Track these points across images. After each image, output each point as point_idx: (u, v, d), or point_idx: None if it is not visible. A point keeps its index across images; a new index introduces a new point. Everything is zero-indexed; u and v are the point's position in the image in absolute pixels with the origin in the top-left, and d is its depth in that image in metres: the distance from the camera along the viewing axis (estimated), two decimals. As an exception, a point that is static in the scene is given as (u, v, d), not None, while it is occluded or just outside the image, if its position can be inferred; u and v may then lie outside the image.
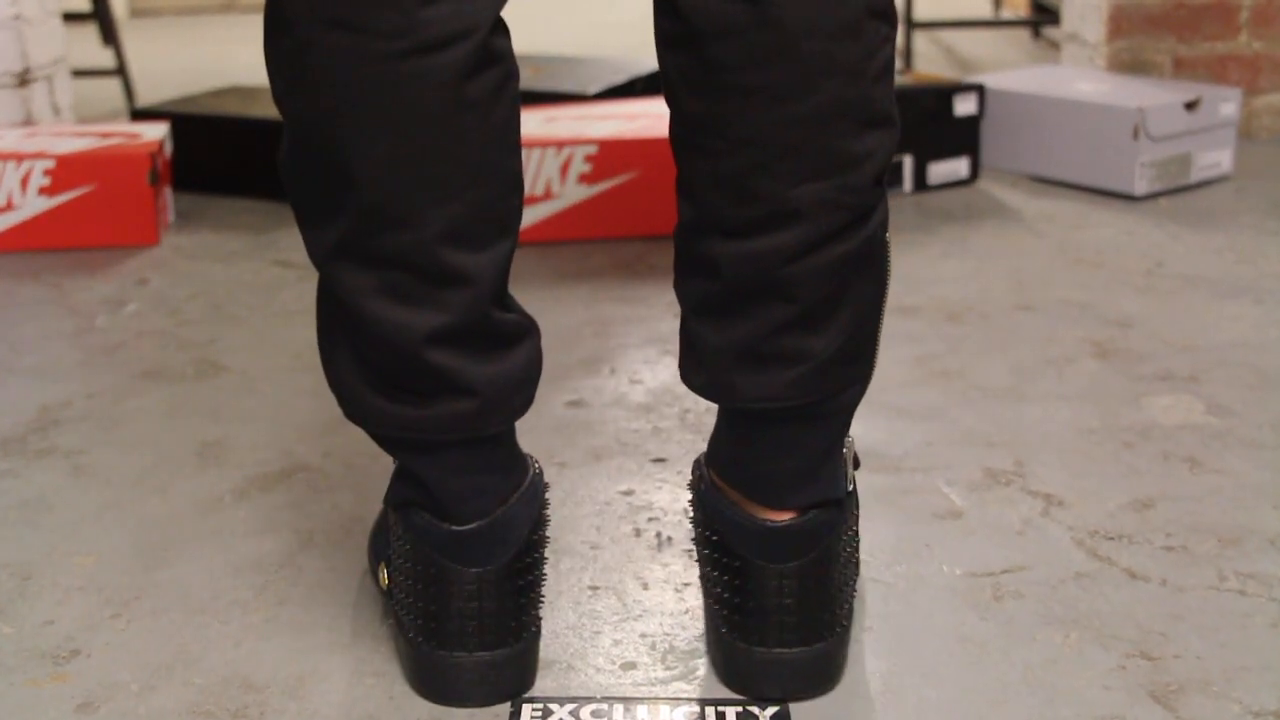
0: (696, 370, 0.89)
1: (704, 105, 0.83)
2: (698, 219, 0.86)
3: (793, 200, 0.81)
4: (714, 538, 0.91)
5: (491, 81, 0.82)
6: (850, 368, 0.87)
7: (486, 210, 0.83)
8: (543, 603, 0.95)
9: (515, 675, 0.92)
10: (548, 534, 0.94)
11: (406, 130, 0.80)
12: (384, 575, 0.95)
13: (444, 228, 0.82)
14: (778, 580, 0.88)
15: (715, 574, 0.91)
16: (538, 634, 0.94)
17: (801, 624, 0.89)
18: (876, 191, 0.84)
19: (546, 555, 0.94)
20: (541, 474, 0.94)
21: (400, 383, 0.85)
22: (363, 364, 0.86)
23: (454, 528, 0.88)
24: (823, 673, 0.91)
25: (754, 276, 0.83)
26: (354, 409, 0.88)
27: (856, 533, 0.95)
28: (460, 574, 0.88)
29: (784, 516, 0.88)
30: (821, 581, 0.89)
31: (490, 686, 0.90)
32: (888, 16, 0.82)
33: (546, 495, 0.94)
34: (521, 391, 0.89)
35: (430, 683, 0.91)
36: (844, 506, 0.91)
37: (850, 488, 0.92)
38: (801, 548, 0.88)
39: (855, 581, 0.95)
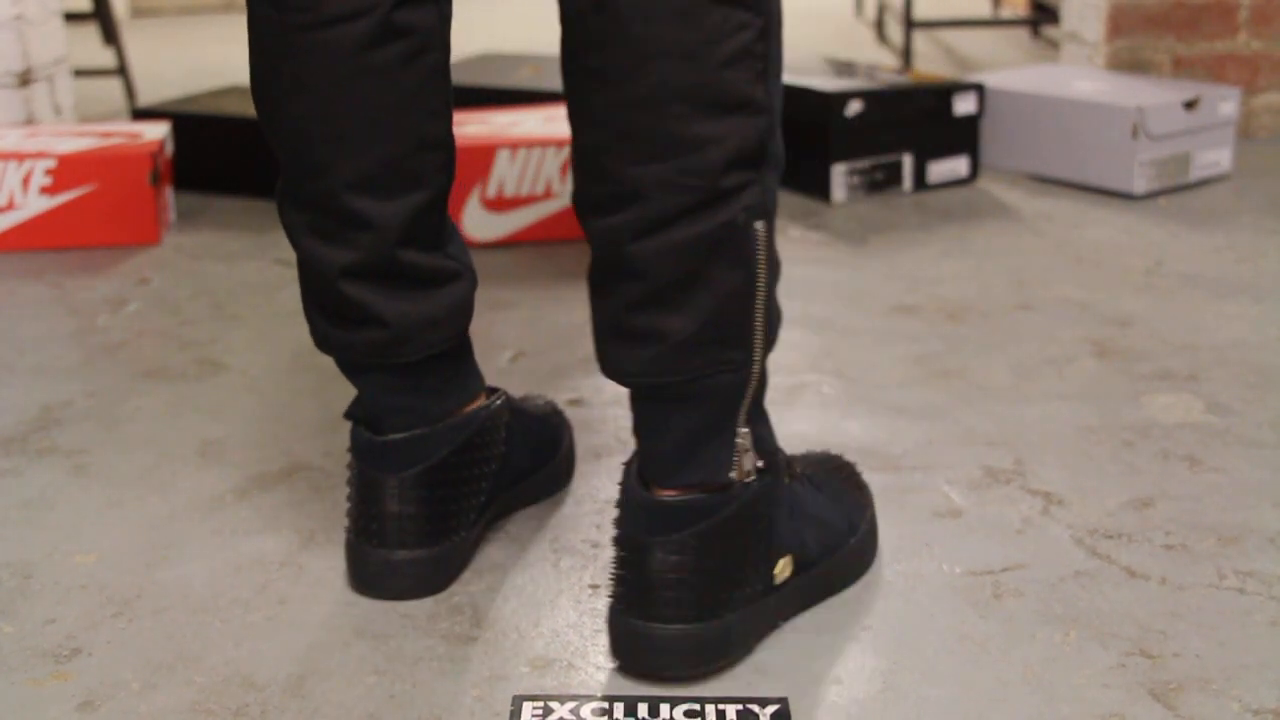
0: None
1: (567, 87, 0.90)
2: (575, 194, 0.91)
3: (632, 180, 0.85)
4: (617, 511, 0.95)
5: (397, 52, 0.92)
6: (716, 352, 0.88)
7: (393, 164, 0.94)
8: (474, 520, 1.06)
9: (430, 575, 1.03)
10: (490, 461, 1.06)
11: (315, 92, 0.92)
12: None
13: (351, 178, 0.93)
14: (658, 555, 0.90)
15: (614, 547, 0.95)
16: (461, 545, 1.05)
17: (678, 601, 0.91)
18: (737, 176, 0.85)
19: (484, 482, 1.06)
20: (496, 411, 1.06)
21: (329, 310, 0.98)
22: (309, 293, 0.99)
23: (376, 437, 1.01)
24: (698, 652, 0.92)
25: (611, 253, 0.88)
26: (314, 332, 1.01)
27: (765, 529, 0.94)
28: (380, 478, 1.00)
29: (667, 493, 0.91)
30: (701, 562, 0.90)
31: (407, 581, 1.02)
32: (747, 6, 0.83)
33: (498, 429, 1.07)
34: (437, 329, 0.99)
35: (356, 574, 1.04)
36: (732, 495, 0.91)
37: (748, 480, 0.92)
38: (677, 525, 0.90)
39: (757, 577, 0.94)
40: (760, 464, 0.93)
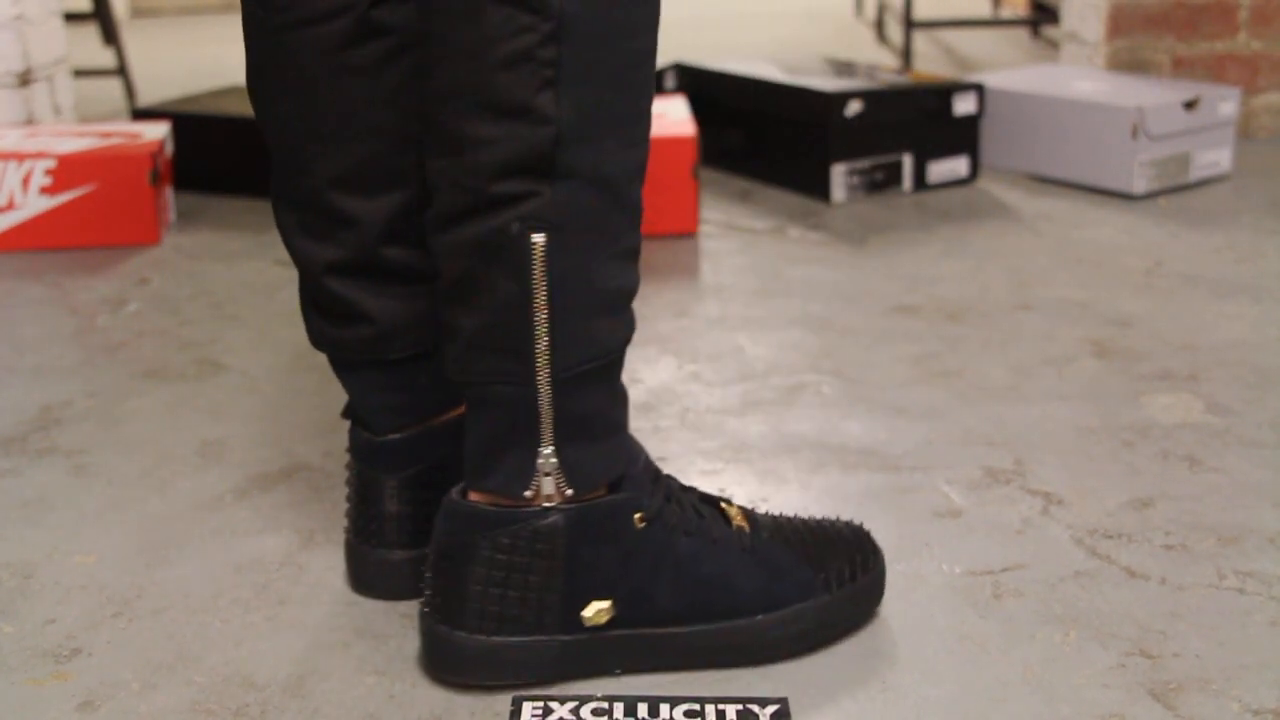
0: None
1: None
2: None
3: (431, 173, 0.86)
4: None
5: (376, 50, 0.92)
6: (495, 361, 0.87)
7: (375, 162, 0.94)
8: None
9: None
10: None
11: (298, 90, 0.93)
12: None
13: (334, 175, 0.94)
14: (439, 555, 0.92)
15: None
16: None
17: (445, 607, 0.91)
18: (513, 184, 0.82)
19: None
20: None
21: (321, 307, 0.98)
22: (303, 290, 1.00)
23: (375, 438, 1.00)
24: (456, 662, 0.92)
25: (428, 244, 0.89)
26: (309, 329, 1.01)
27: (564, 564, 0.90)
28: (376, 478, 1.01)
29: (473, 496, 0.91)
30: (473, 571, 0.90)
31: (406, 581, 1.02)
32: (531, 7, 0.80)
33: None
34: (424, 326, 0.98)
35: (355, 574, 1.04)
36: (522, 514, 0.89)
37: (546, 505, 0.89)
38: (464, 529, 0.90)
39: (550, 612, 0.90)
40: (569, 492, 0.89)
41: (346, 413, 1.03)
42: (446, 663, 0.92)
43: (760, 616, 0.94)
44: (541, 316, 0.85)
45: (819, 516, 1.02)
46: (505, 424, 0.88)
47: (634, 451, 0.93)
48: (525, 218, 0.83)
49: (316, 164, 0.94)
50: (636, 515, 0.91)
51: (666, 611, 0.93)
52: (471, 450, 0.91)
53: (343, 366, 1.01)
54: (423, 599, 0.93)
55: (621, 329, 0.89)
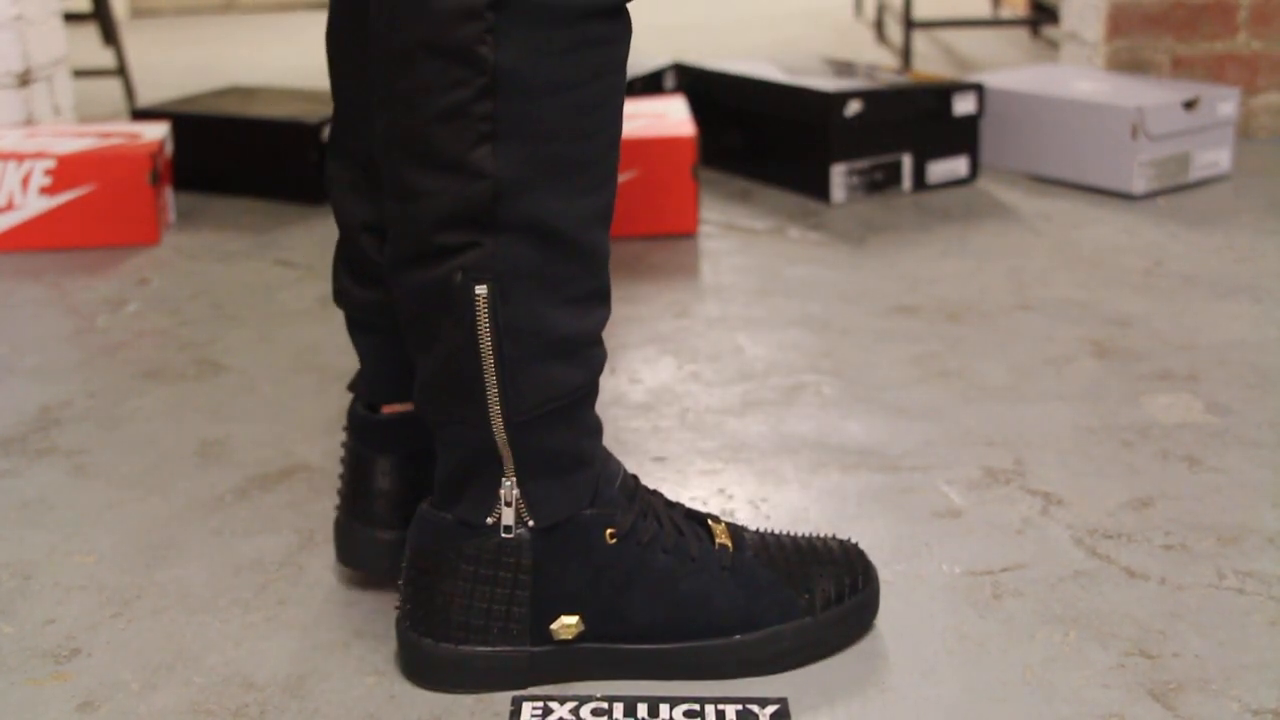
0: None
1: None
2: None
3: (386, 214, 0.86)
4: None
5: None
6: (450, 404, 0.87)
7: None
8: None
9: None
10: None
11: (361, 55, 0.91)
12: None
13: None
14: (409, 561, 0.93)
15: None
16: None
17: (414, 615, 0.93)
18: (454, 235, 0.82)
19: None
20: None
21: (351, 263, 0.98)
22: (339, 245, 1.00)
23: (371, 414, 1.00)
24: (426, 668, 0.92)
25: (387, 283, 0.90)
26: (335, 285, 1.01)
27: (530, 581, 0.90)
28: (369, 455, 1.01)
29: (441, 513, 0.92)
30: (438, 584, 0.91)
31: (387, 560, 1.02)
32: (464, 61, 0.78)
33: None
34: None
35: (343, 550, 1.04)
36: (484, 534, 0.90)
37: (506, 532, 0.90)
38: (433, 540, 0.91)
39: (520, 625, 0.91)
40: (531, 524, 0.90)
41: (352, 385, 1.03)
42: (417, 669, 0.93)
43: (738, 636, 0.93)
44: (489, 364, 0.85)
45: (813, 534, 1.01)
46: (468, 458, 0.89)
47: (609, 473, 0.93)
48: (468, 268, 0.83)
49: (371, 127, 0.92)
50: (608, 531, 0.91)
51: (639, 627, 0.92)
52: (439, 478, 0.92)
53: (357, 327, 1.01)
54: (397, 605, 0.94)
55: (579, 372, 0.88)
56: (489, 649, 0.91)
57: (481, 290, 0.83)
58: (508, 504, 0.89)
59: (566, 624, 0.91)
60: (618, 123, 0.86)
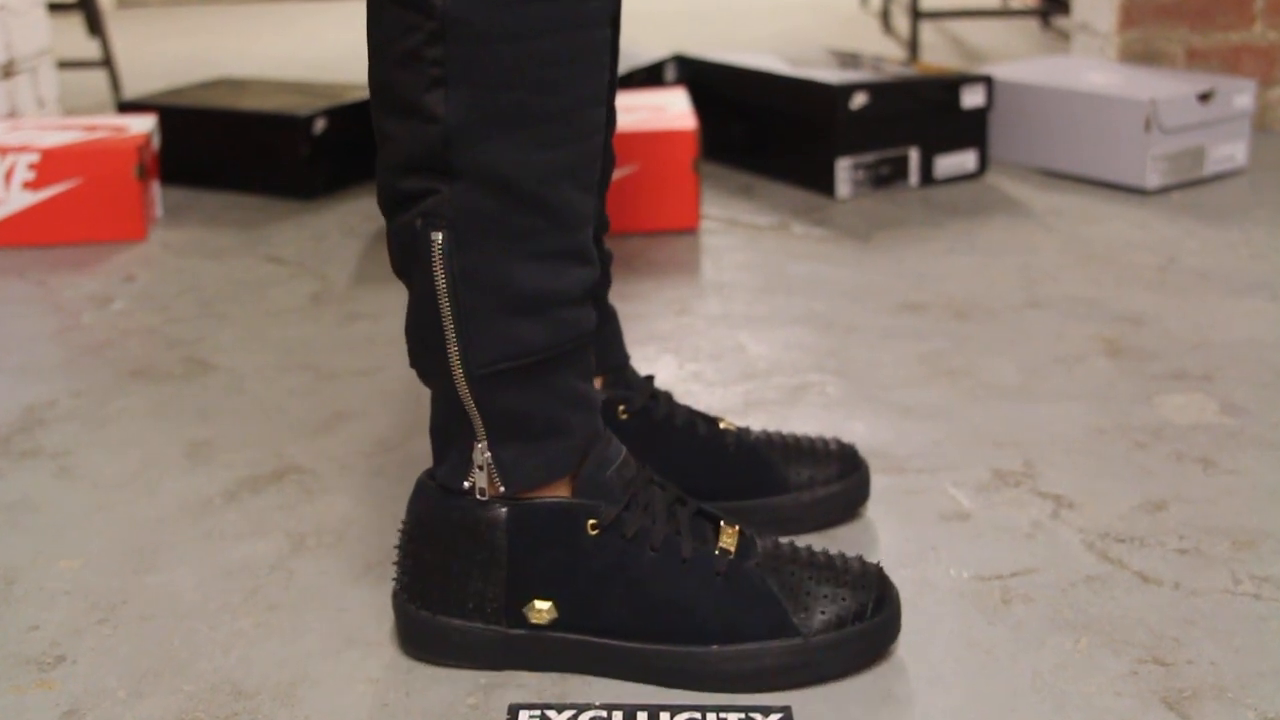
0: None
1: None
2: None
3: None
4: None
5: None
6: (421, 354, 0.91)
7: None
8: None
9: None
10: None
11: None
12: None
13: None
14: (404, 527, 0.96)
15: None
16: None
17: (400, 580, 0.95)
18: (415, 181, 0.85)
19: None
20: None
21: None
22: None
23: None
24: (406, 633, 0.95)
25: None
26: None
27: (502, 556, 0.91)
28: None
29: (429, 480, 0.95)
30: (416, 548, 0.94)
31: None
32: (416, 7, 0.82)
33: None
34: None
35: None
36: (456, 501, 0.92)
37: (481, 497, 0.91)
38: (416, 505, 0.94)
39: (489, 601, 0.92)
40: (502, 489, 0.90)
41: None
42: (403, 635, 0.96)
43: (715, 647, 0.91)
44: (448, 313, 0.87)
45: (838, 552, 0.97)
46: (446, 416, 0.92)
47: (603, 457, 0.92)
48: (427, 214, 0.85)
49: None
50: (590, 522, 0.91)
51: (613, 623, 0.92)
52: (431, 437, 0.95)
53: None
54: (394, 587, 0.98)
55: (544, 331, 0.88)
56: (465, 623, 0.93)
57: (437, 237, 0.85)
58: (480, 467, 0.91)
59: (539, 609, 0.92)
60: (591, 82, 0.86)
